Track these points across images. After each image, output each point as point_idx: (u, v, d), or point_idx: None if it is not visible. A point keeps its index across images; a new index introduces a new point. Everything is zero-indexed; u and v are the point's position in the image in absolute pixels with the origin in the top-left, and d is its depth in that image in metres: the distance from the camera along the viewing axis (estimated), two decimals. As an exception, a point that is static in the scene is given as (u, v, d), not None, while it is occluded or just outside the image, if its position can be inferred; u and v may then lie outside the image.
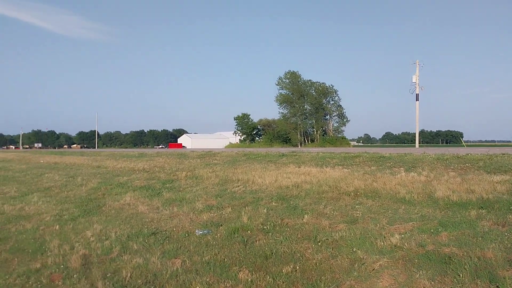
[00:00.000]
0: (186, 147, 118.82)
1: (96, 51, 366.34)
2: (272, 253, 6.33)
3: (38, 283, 5.96)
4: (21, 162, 32.71)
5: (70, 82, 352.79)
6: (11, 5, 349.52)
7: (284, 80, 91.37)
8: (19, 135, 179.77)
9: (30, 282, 5.99)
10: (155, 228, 8.48)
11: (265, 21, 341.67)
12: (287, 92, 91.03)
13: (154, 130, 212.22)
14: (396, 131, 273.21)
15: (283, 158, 17.92)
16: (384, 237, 6.60)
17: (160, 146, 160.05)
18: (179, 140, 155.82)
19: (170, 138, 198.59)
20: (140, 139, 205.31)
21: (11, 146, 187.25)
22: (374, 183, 10.68)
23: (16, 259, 7.29)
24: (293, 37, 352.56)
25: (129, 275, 5.92)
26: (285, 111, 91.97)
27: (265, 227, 7.65)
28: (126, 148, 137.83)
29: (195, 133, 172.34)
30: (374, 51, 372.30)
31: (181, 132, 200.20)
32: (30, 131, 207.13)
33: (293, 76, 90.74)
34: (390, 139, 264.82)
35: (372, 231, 7.05)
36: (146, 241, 7.61)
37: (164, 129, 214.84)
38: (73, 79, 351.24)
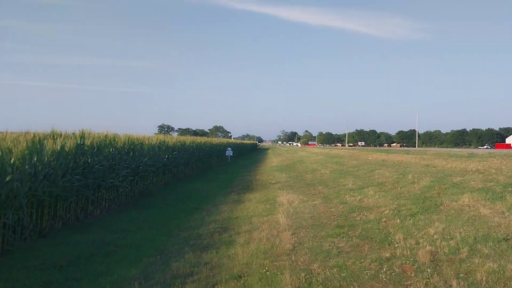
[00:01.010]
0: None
1: (417, 50, 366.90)
2: None
3: (391, 271, 6.47)
4: (351, 158, 36.06)
5: (390, 83, 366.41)
6: (339, 16, 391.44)
7: None
8: (344, 134, 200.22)
9: (383, 269, 6.57)
10: (504, 233, 7.81)
11: None
12: None
13: (477, 129, 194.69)
14: None
15: None
16: None
17: (485, 147, 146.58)
18: (507, 140, 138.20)
19: (496, 138, 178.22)
20: (461, 138, 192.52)
21: (338, 144, 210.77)
22: None
23: (366, 245, 8.11)
24: None
25: (484, 279, 5.71)
26: None
27: None
28: (447, 147, 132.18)
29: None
30: None
31: (509, 131, 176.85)
32: (354, 131, 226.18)
33: None
34: None
35: None
36: (497, 246, 7.12)
37: (488, 128, 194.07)
38: (393, 80, 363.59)
